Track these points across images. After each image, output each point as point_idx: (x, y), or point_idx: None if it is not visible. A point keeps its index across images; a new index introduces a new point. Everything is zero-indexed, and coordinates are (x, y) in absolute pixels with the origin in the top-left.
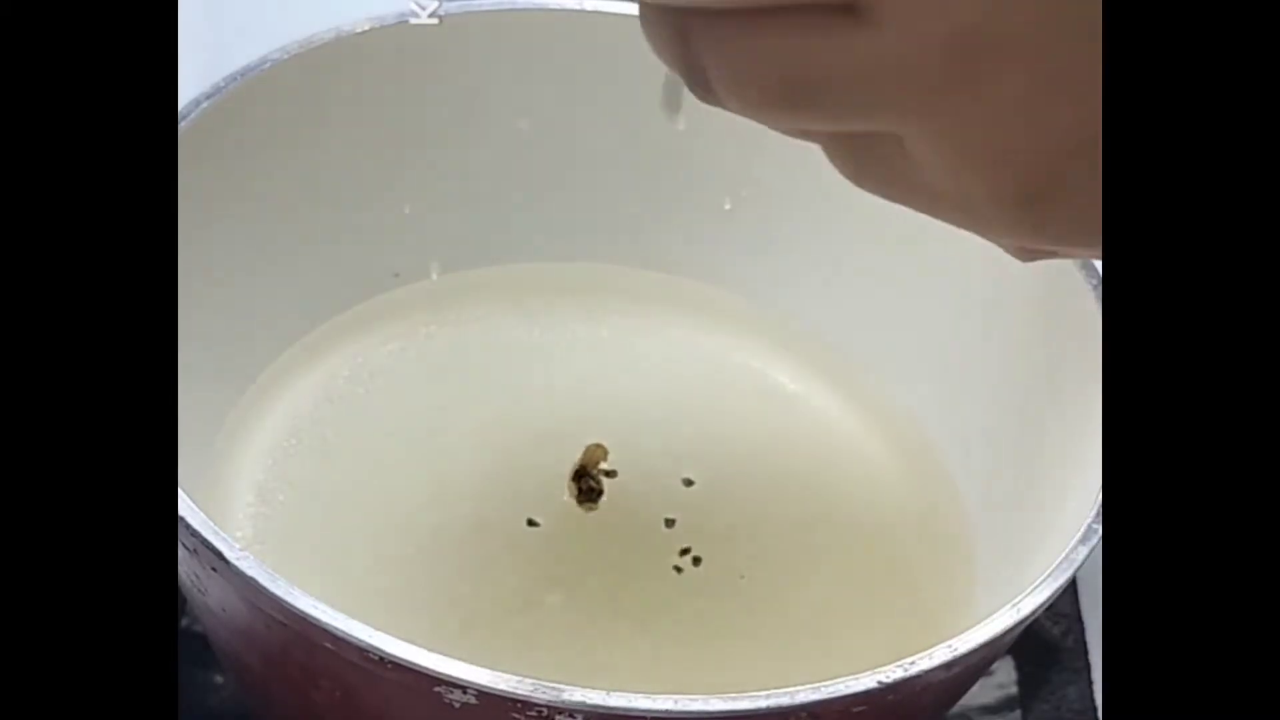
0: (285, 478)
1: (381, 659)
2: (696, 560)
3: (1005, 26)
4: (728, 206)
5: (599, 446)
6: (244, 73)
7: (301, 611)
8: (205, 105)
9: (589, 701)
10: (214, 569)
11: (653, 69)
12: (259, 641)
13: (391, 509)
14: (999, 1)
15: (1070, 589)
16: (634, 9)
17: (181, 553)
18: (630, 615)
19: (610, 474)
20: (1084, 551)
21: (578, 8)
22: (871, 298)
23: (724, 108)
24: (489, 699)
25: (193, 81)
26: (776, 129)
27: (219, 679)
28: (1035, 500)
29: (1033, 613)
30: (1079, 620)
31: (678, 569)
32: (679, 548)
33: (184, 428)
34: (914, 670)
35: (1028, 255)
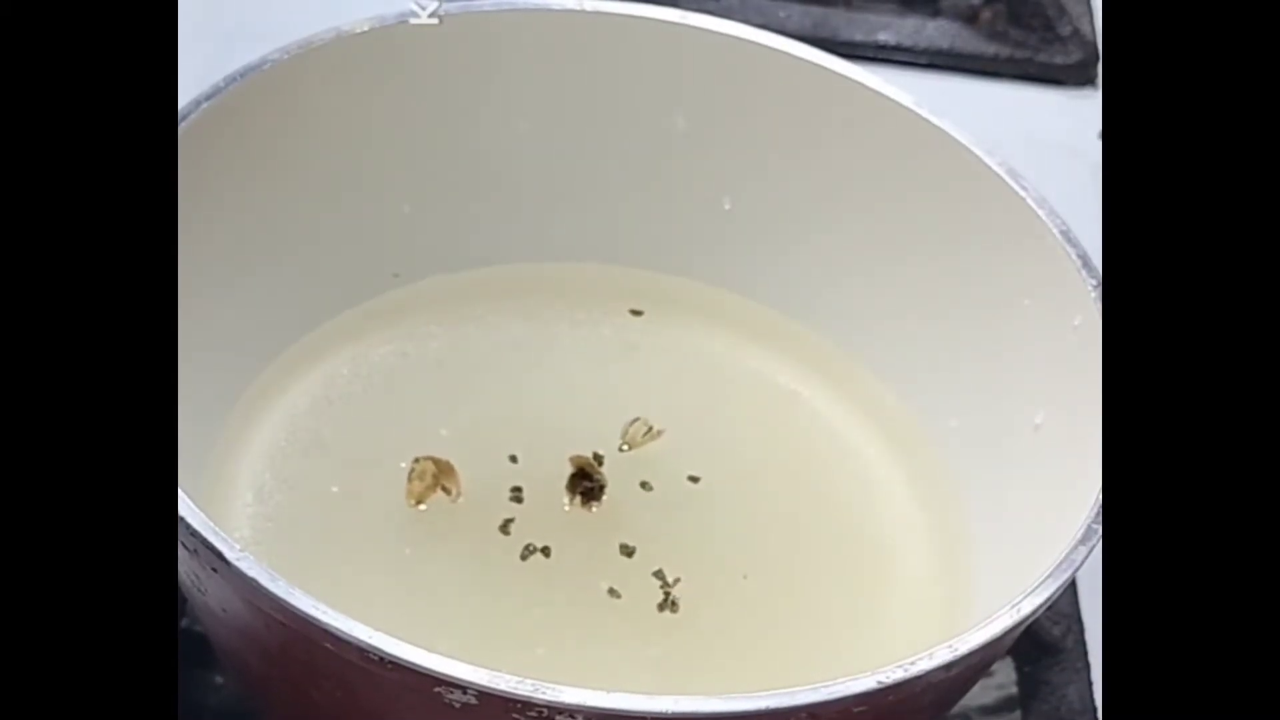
0: (284, 478)
1: (381, 659)
2: (698, 560)
3: None
4: (728, 206)
5: (585, 456)
6: (244, 73)
7: (302, 611)
8: (205, 105)
9: (588, 702)
10: (214, 569)
11: (653, 69)
12: (259, 641)
13: (390, 509)
14: None
15: (1070, 589)
16: (634, 9)
17: (181, 553)
18: (631, 615)
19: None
20: (1084, 552)
21: (578, 8)
22: (872, 297)
23: None
24: (489, 699)
25: (193, 81)
26: None
27: (219, 679)
28: (1035, 500)
29: (1033, 613)
30: (1079, 620)
31: (679, 568)
32: (680, 547)
33: (183, 428)
34: (914, 670)
35: None
